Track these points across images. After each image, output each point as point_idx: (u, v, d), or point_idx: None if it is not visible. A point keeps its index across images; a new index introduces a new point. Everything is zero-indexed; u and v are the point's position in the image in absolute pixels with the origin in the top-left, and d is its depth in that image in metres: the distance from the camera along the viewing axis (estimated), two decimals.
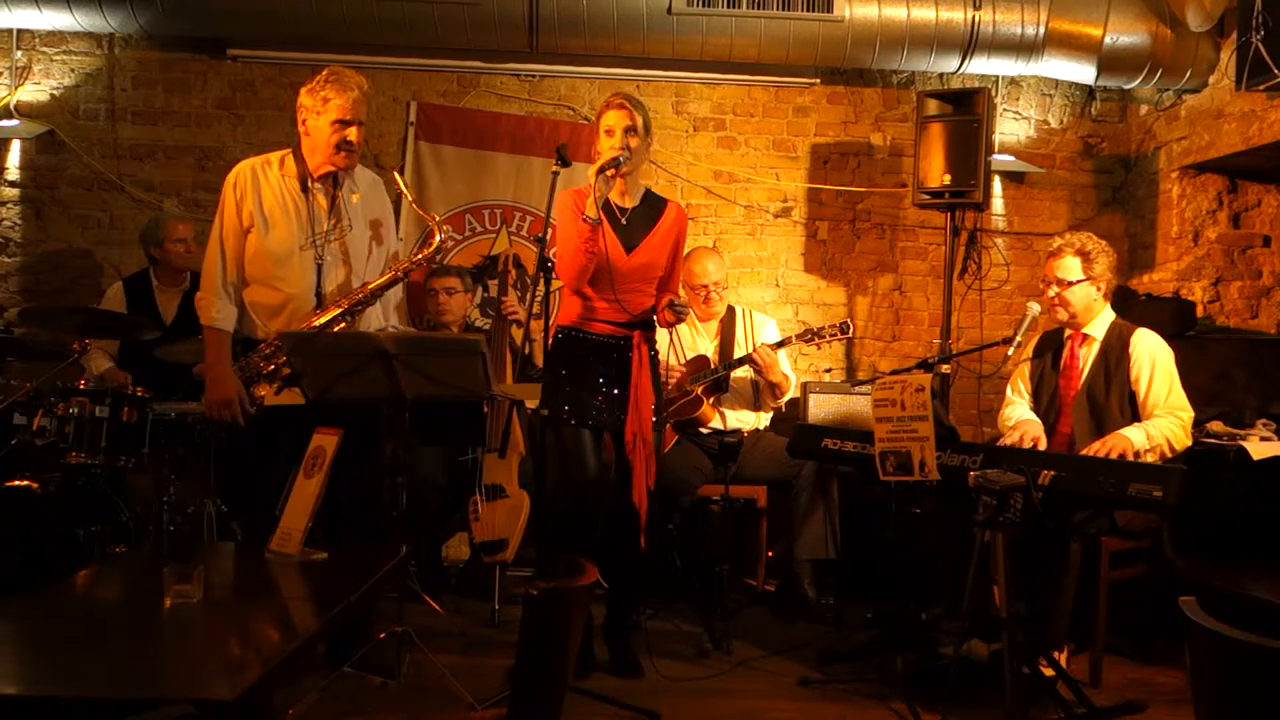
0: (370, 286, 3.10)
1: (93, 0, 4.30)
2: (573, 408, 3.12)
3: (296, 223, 3.07)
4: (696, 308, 4.18)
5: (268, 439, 3.06)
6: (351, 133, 3.04)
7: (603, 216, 3.06)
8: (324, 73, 3.08)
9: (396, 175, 3.22)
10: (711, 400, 4.07)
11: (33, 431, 3.49)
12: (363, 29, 4.45)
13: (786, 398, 4.16)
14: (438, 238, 3.14)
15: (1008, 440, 3.34)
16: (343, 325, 3.06)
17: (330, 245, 3.10)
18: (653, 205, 3.25)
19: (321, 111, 3.04)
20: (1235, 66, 3.71)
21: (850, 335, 4.09)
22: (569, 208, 3.11)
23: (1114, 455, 3.08)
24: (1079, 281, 3.35)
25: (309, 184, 3.09)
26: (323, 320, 3.04)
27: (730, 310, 4.25)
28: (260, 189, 3.07)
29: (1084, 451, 3.16)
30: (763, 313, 4.44)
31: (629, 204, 3.20)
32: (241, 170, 3.11)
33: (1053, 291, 3.38)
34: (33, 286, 4.75)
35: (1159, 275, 4.77)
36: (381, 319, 3.25)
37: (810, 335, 4.04)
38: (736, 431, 4.04)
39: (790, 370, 4.19)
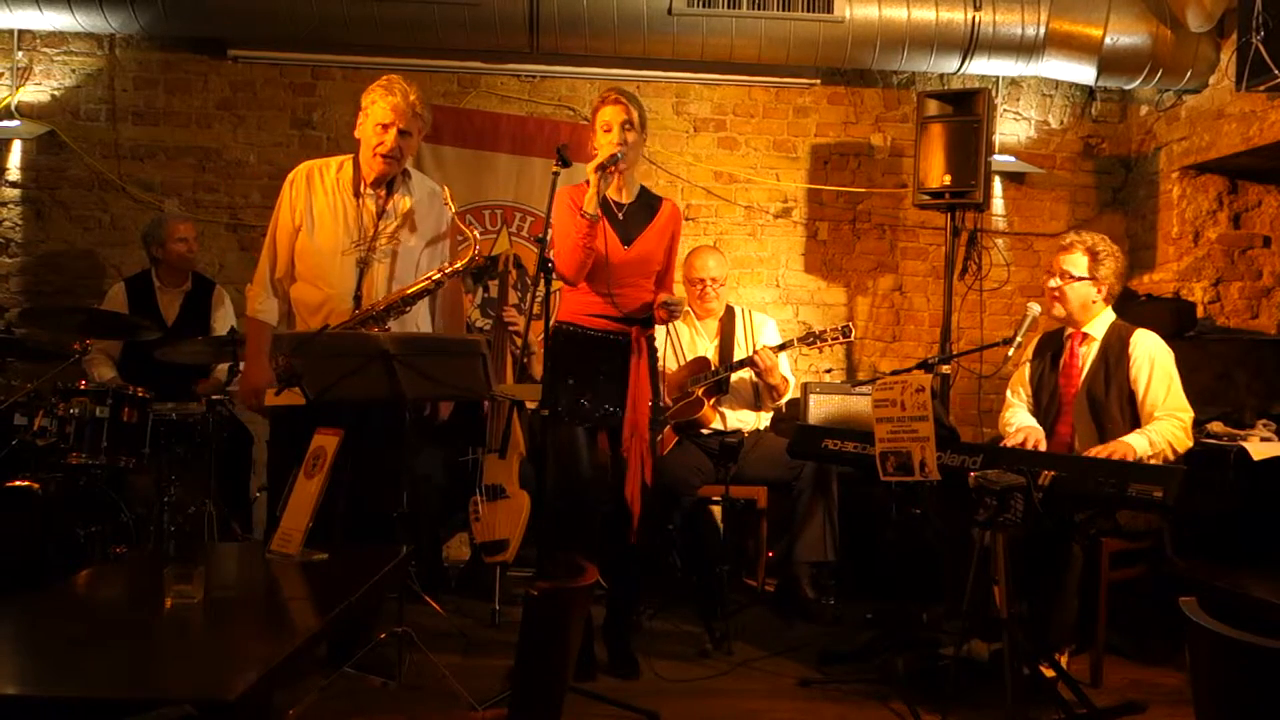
0: (405, 292, 3.11)
1: (93, 1, 4.30)
2: (569, 406, 3.13)
3: (343, 226, 3.10)
4: (694, 304, 4.19)
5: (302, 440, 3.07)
6: (389, 136, 3.04)
7: (599, 212, 3.06)
8: (381, 78, 3.11)
9: (445, 188, 3.21)
10: (712, 401, 4.07)
11: (34, 432, 3.49)
12: (363, 30, 4.46)
13: (785, 399, 4.17)
14: (474, 249, 3.14)
15: (1010, 444, 3.35)
16: (375, 329, 3.05)
17: (377, 249, 3.11)
18: (649, 201, 3.27)
19: (367, 115, 3.08)
20: (1235, 67, 3.71)
21: (851, 338, 4.09)
22: (566, 204, 3.12)
23: (1115, 459, 3.08)
24: (1082, 279, 3.36)
25: (361, 189, 3.12)
26: (355, 320, 3.04)
27: (730, 310, 4.25)
28: (313, 190, 3.11)
29: (1088, 454, 3.17)
30: (763, 313, 4.44)
31: (625, 199, 3.21)
32: (299, 171, 3.16)
33: (1054, 283, 3.39)
34: (34, 287, 4.76)
35: (1159, 276, 4.77)
36: (428, 326, 3.25)
37: (812, 338, 4.04)
38: (737, 432, 4.05)
39: (790, 373, 4.19)
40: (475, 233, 3.22)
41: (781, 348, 4.05)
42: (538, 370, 4.02)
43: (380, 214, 3.13)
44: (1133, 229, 5.01)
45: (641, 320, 3.20)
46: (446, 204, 3.17)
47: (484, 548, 3.78)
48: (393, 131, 3.05)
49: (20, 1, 4.35)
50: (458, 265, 3.16)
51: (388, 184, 3.14)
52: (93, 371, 3.98)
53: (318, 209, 3.10)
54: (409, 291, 3.11)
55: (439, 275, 3.14)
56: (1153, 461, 3.15)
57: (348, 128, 3.37)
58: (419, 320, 3.21)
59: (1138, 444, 3.14)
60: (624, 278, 3.15)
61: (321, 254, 3.09)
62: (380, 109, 3.05)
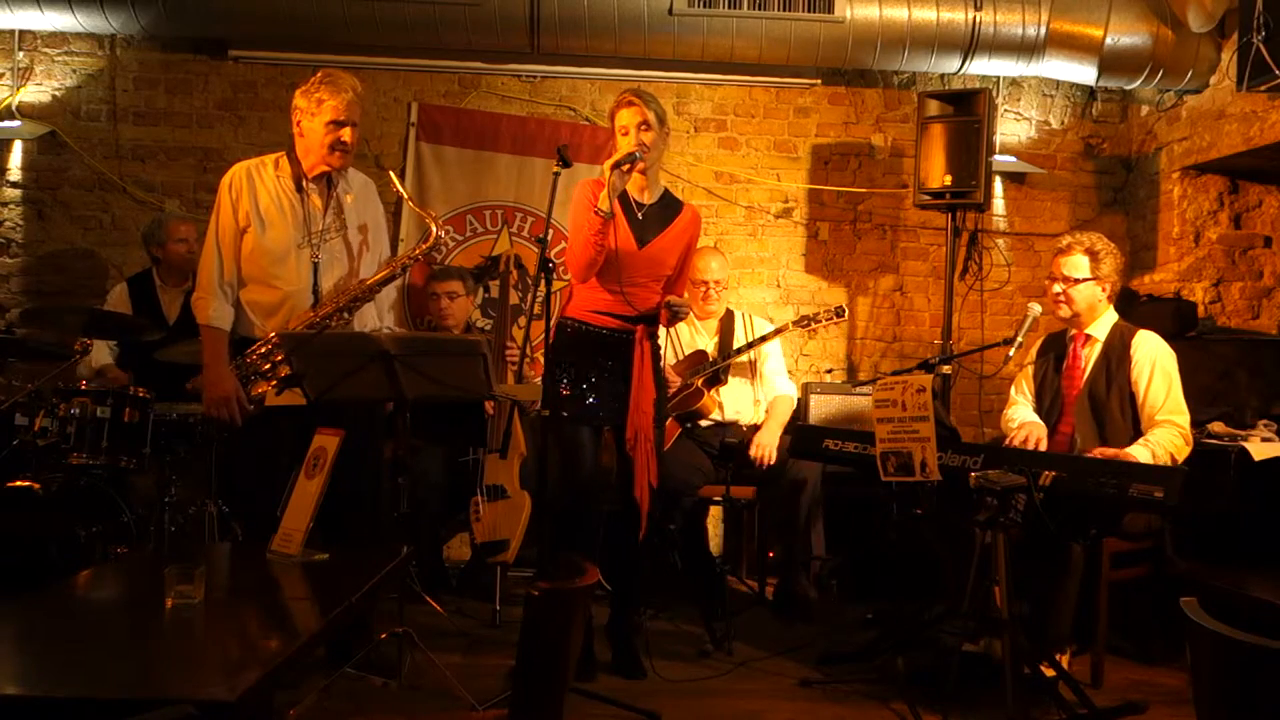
0: (368, 282, 3.12)
1: (94, 1, 4.30)
2: (573, 404, 3.13)
3: (293, 222, 3.10)
4: (695, 305, 4.19)
5: (267, 439, 3.07)
6: (346, 133, 3.07)
7: (618, 209, 3.06)
8: (318, 74, 3.11)
9: (393, 175, 3.23)
10: (711, 391, 4.07)
11: (34, 432, 3.49)
12: (364, 30, 4.46)
13: (785, 411, 4.15)
14: (434, 231, 3.15)
15: (1014, 441, 3.35)
16: (338, 321, 3.06)
17: (327, 244, 3.12)
18: (670, 205, 3.26)
19: (316, 113, 3.07)
20: (1236, 67, 3.71)
21: (845, 318, 4.09)
22: (585, 198, 3.11)
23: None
24: (1085, 280, 3.36)
25: (304, 184, 3.12)
26: (320, 316, 3.05)
27: (729, 313, 4.25)
28: (256, 189, 3.10)
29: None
30: (763, 314, 4.44)
31: (647, 200, 3.21)
32: (236, 172, 3.14)
33: (1058, 288, 3.39)
34: (35, 287, 4.76)
35: (1160, 276, 4.77)
36: (376, 319, 3.26)
37: (806, 321, 4.05)
38: (735, 425, 4.03)
39: (788, 384, 4.20)
40: (433, 214, 3.23)
41: (777, 332, 4.06)
42: (530, 373, 4.04)
43: (326, 208, 3.14)
44: (1133, 229, 5.01)
45: (646, 320, 3.20)
46: (400, 192, 3.19)
47: (485, 548, 3.78)
48: (348, 128, 3.07)
49: (21, 2, 4.35)
50: (421, 249, 3.18)
51: (327, 178, 3.15)
52: (89, 358, 3.95)
53: (264, 207, 3.10)
54: (371, 282, 3.12)
55: (406, 261, 3.15)
56: None
57: None
58: (373, 316, 3.24)
59: (1140, 456, 3.13)
60: (634, 277, 3.15)
61: (274, 252, 3.08)
62: (332, 106, 3.05)
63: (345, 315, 3.09)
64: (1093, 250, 3.36)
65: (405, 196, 3.21)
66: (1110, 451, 3.16)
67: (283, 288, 3.08)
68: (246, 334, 3.13)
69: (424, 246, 3.20)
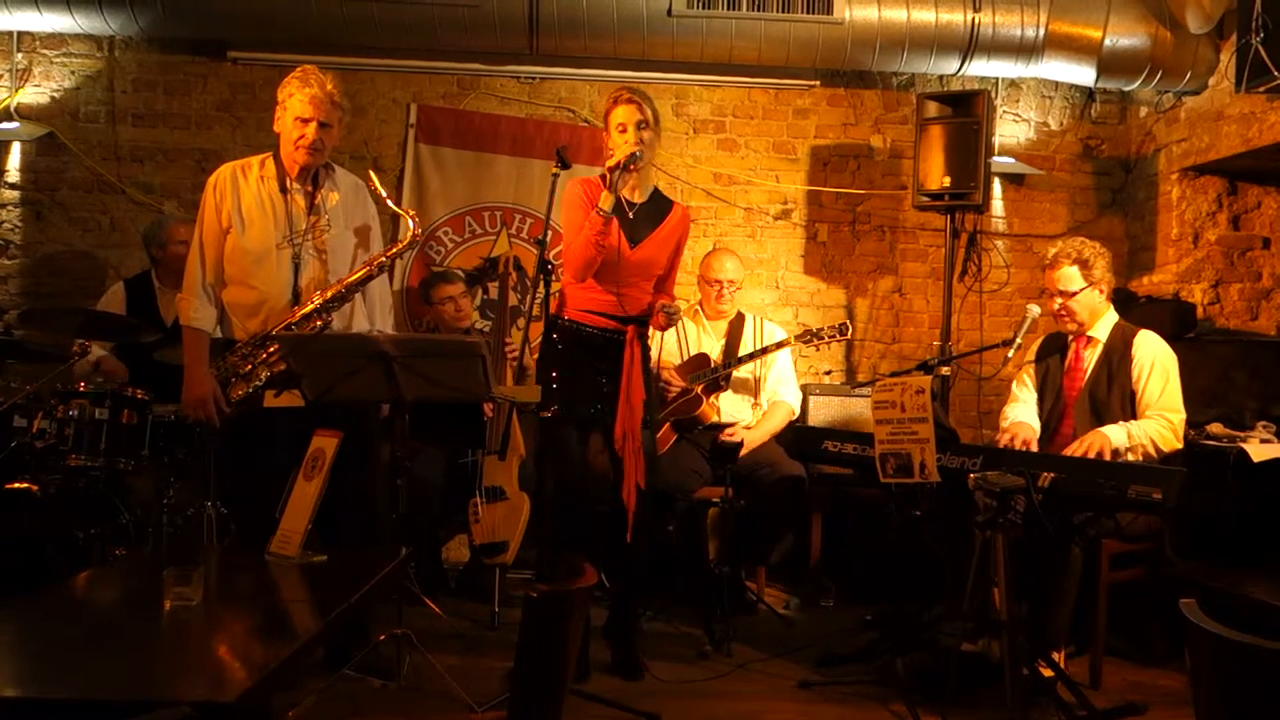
0: (346, 281, 3.10)
1: (93, 2, 4.30)
2: (563, 404, 3.12)
3: (273, 222, 3.08)
4: (708, 304, 4.19)
5: (265, 440, 3.07)
6: (310, 130, 3.03)
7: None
8: (295, 70, 3.09)
9: (371, 174, 3.18)
10: (711, 398, 4.07)
11: (33, 434, 3.49)
12: (363, 31, 4.46)
13: (779, 417, 4.15)
14: (410, 229, 3.13)
15: (1000, 440, 3.36)
16: (319, 321, 3.05)
17: (307, 243, 3.11)
18: (659, 204, 3.25)
19: (286, 108, 3.07)
20: (1235, 68, 3.71)
21: (848, 336, 4.09)
22: (580, 198, 3.10)
23: (1091, 453, 3.09)
24: (1082, 289, 3.36)
25: (288, 184, 3.11)
26: (299, 315, 3.03)
27: (740, 316, 4.24)
28: (239, 190, 3.10)
29: (1065, 452, 3.17)
30: (761, 313, 4.43)
31: (638, 199, 3.20)
32: (221, 173, 3.13)
33: (1058, 304, 3.39)
34: (33, 289, 4.75)
35: (1159, 277, 4.77)
36: (366, 322, 3.24)
37: (809, 337, 4.05)
38: (733, 428, 4.04)
39: (793, 393, 4.19)
40: (411, 213, 3.20)
41: (779, 345, 4.05)
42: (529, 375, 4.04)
43: (310, 209, 3.12)
44: (1132, 230, 5.01)
45: (638, 320, 3.20)
46: (375, 189, 3.14)
47: (483, 549, 3.77)
48: (313, 125, 3.04)
49: (20, 3, 4.34)
50: (398, 249, 3.16)
51: (313, 178, 3.14)
52: (88, 358, 3.95)
53: (246, 207, 3.09)
54: (350, 280, 3.10)
55: (382, 260, 3.13)
56: (1131, 456, 3.16)
57: (347, 128, 3.36)
58: (363, 318, 3.22)
59: (1114, 435, 3.15)
60: (627, 278, 3.14)
61: (253, 253, 3.07)
62: (298, 102, 3.03)
63: (325, 315, 3.07)
64: (1081, 258, 3.36)
65: (382, 196, 3.16)
66: (1088, 439, 3.15)
67: (260, 287, 3.07)
68: (229, 335, 3.14)
69: (400, 245, 3.17)
